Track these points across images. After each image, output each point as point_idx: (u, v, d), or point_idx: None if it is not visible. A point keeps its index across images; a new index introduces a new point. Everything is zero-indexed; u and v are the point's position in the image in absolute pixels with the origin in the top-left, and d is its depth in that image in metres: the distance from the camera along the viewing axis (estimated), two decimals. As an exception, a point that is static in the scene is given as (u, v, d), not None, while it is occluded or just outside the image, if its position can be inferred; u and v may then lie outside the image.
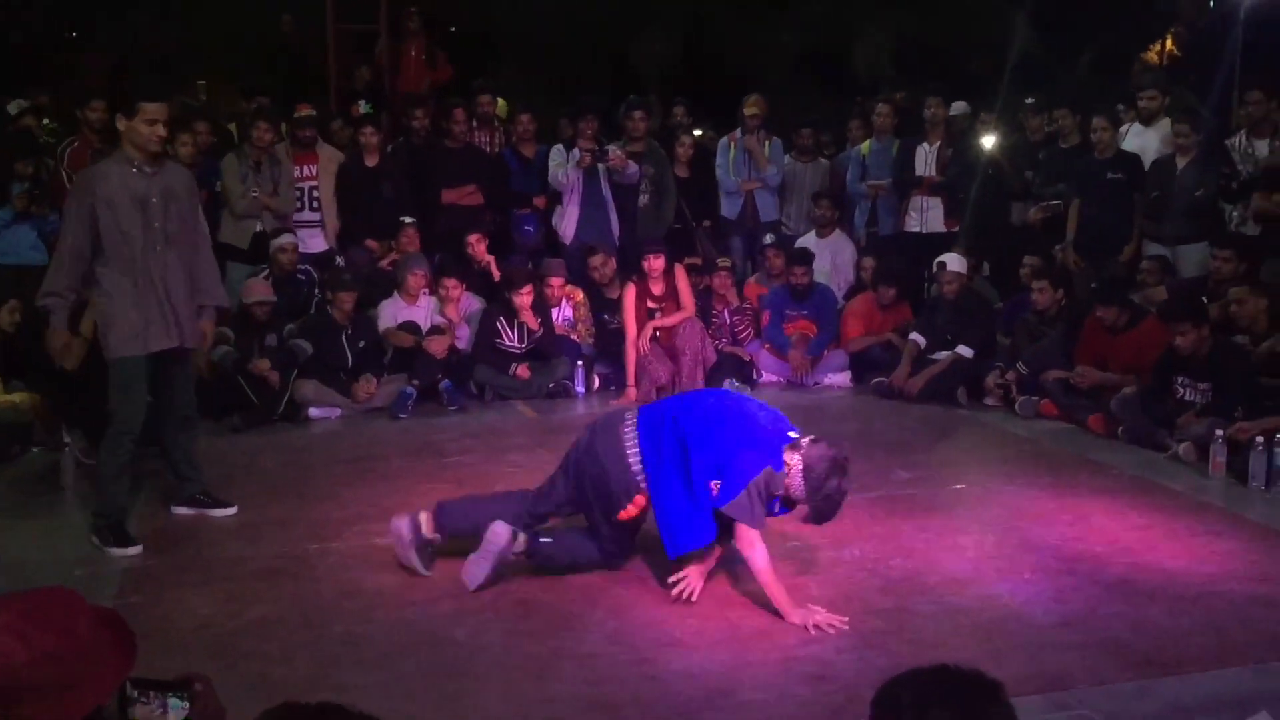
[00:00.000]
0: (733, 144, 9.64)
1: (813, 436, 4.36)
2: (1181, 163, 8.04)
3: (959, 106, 9.81)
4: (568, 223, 8.93)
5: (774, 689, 3.71)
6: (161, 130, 5.11)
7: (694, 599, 4.38)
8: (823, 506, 4.25)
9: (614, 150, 8.68)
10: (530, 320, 8.07)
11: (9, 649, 1.79)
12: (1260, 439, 5.81)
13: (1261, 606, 4.35)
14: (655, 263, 8.06)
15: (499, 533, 4.52)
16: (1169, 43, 18.36)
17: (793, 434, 4.38)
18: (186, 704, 2.04)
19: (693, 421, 4.39)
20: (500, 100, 10.47)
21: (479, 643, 4.11)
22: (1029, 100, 9.37)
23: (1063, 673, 3.79)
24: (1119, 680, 3.76)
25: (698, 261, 8.97)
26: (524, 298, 8.05)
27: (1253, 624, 4.18)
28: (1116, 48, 16.02)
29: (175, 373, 5.33)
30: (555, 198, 9.07)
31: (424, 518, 4.75)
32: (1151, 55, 18.23)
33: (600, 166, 8.77)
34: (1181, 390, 6.61)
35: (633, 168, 8.77)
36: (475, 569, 4.53)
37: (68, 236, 5.05)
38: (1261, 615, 4.26)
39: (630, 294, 8.13)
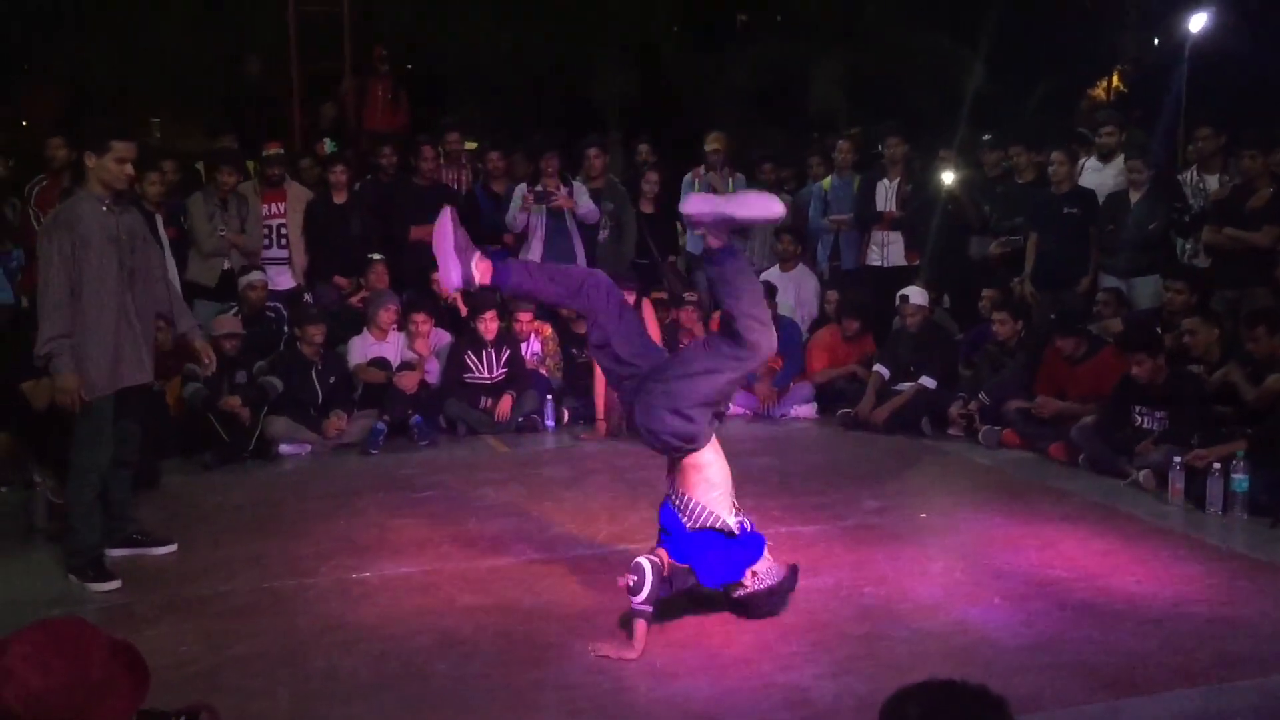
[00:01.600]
0: (696, 180, 9.79)
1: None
2: (1135, 197, 8.25)
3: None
4: (530, 258, 9.02)
5: (754, 715, 3.77)
6: (130, 169, 5.16)
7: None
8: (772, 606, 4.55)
9: (558, 194, 8.80)
10: (491, 334, 8.12)
11: (26, 677, 1.83)
12: (1216, 465, 5.97)
13: (1223, 627, 4.47)
14: (625, 297, 8.11)
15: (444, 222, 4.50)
16: (1115, 80, 18.78)
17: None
18: (194, 734, 2.08)
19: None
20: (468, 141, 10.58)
21: (460, 675, 4.14)
22: (986, 137, 9.59)
23: (1035, 695, 3.87)
24: (1089, 701, 3.85)
25: (663, 296, 9.08)
26: (489, 324, 8.11)
27: (1215, 644, 4.29)
28: (1065, 85, 16.41)
29: (131, 409, 5.32)
30: (524, 235, 9.16)
31: None
32: (1099, 92, 18.64)
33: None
34: (1139, 418, 6.77)
35: (586, 208, 8.90)
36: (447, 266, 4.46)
37: (56, 276, 4.96)
38: (1223, 635, 4.38)
39: (598, 328, 8.18)
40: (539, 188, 8.85)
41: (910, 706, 1.99)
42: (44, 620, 1.95)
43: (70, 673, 1.85)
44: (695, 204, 4.48)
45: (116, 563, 5.30)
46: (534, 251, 8.99)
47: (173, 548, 5.56)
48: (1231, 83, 14.45)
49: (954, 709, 1.97)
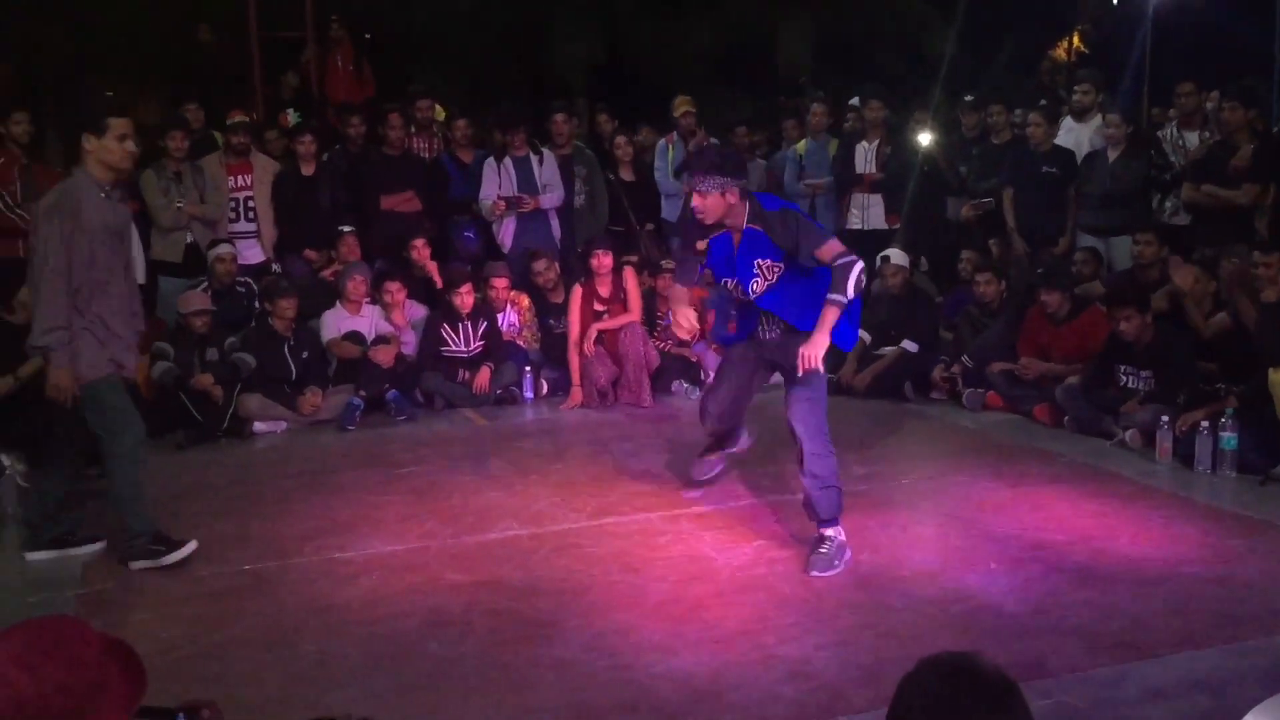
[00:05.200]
0: (670, 146, 9.65)
1: None
2: (1112, 155, 8.21)
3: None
4: (505, 232, 8.90)
5: (758, 689, 3.70)
6: (132, 145, 4.90)
7: None
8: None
9: (526, 198, 8.70)
10: (467, 307, 7.99)
11: (15, 681, 1.71)
12: (1204, 424, 5.95)
13: (1220, 586, 4.44)
14: (604, 259, 8.05)
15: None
16: (1076, 40, 18.80)
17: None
18: (195, 731, 1.97)
19: None
20: (438, 106, 10.37)
21: (453, 655, 4.04)
22: (968, 98, 9.50)
23: (1038, 660, 3.83)
24: (1093, 666, 3.80)
25: (635, 259, 8.96)
26: (464, 297, 7.97)
27: (1216, 605, 4.26)
28: (1026, 46, 16.36)
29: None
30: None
31: None
32: (1059, 53, 18.64)
33: (536, 174, 8.77)
34: (1125, 378, 6.74)
35: (551, 200, 8.84)
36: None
37: (52, 262, 4.64)
38: (1222, 595, 4.36)
39: (577, 295, 8.10)
40: (509, 195, 8.71)
41: (917, 695, 1.91)
42: (32, 619, 1.83)
43: (62, 675, 1.73)
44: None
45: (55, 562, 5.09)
46: (506, 225, 8.87)
47: (100, 545, 5.21)
48: (1195, 41, 14.44)
49: (963, 698, 1.90)
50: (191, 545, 4.98)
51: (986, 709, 1.84)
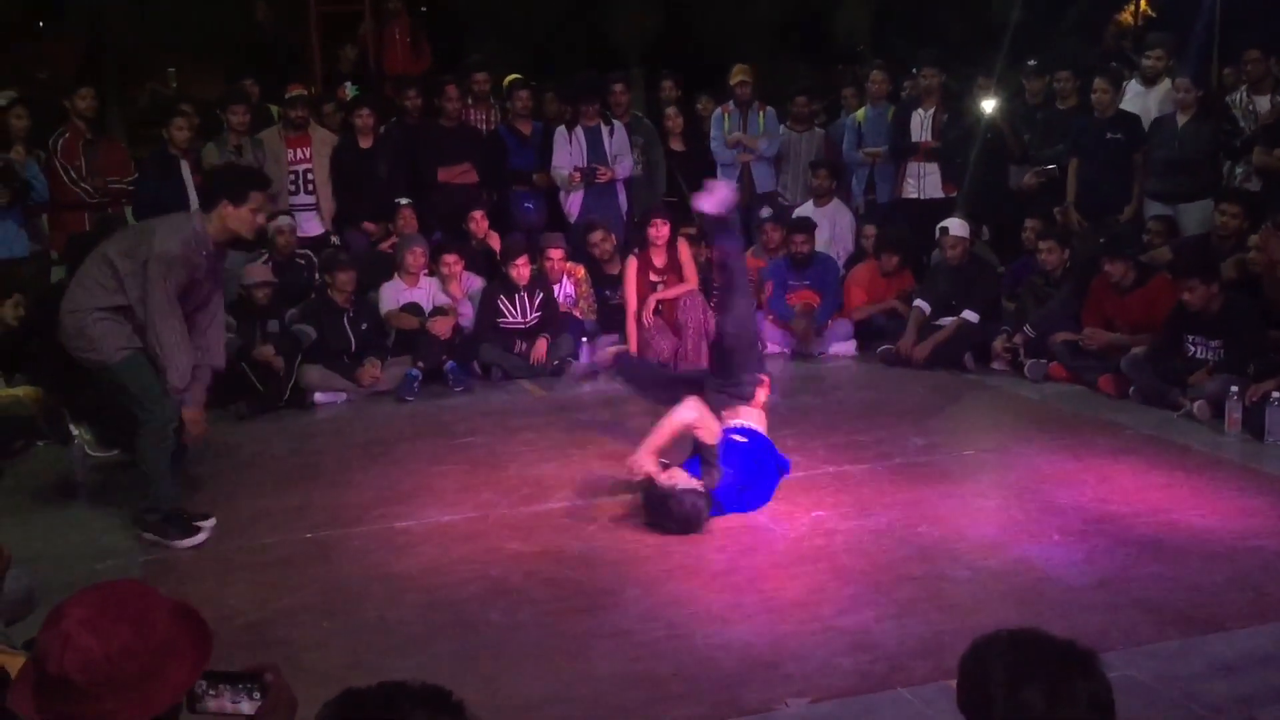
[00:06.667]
0: (726, 115, 9.57)
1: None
2: (1182, 120, 8.00)
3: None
4: (572, 203, 8.91)
5: (816, 660, 3.69)
6: (263, 219, 5.13)
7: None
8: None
9: (601, 168, 8.69)
10: (524, 279, 8.02)
11: (86, 645, 1.74)
12: (1276, 394, 5.81)
13: (1293, 561, 4.35)
14: (662, 229, 8.03)
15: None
16: (1143, 4, 18.36)
17: None
18: (259, 696, 1.99)
19: None
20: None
21: (512, 623, 4.07)
22: (1031, 62, 9.30)
23: (1102, 634, 3.77)
24: (1159, 640, 3.75)
25: (692, 231, 8.91)
26: (520, 269, 7.98)
27: (1287, 579, 4.18)
28: (1091, 10, 16.00)
29: None
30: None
31: None
32: (1125, 17, 18.22)
33: (606, 144, 8.75)
34: (1192, 348, 6.60)
35: (624, 170, 8.84)
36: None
37: (169, 308, 4.78)
38: (1295, 570, 4.27)
39: (632, 266, 8.09)
40: (584, 166, 8.71)
41: (994, 662, 1.89)
42: (101, 583, 1.86)
43: (132, 638, 1.76)
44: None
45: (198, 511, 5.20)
46: (575, 201, 8.88)
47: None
48: (1265, 2, 14.01)
49: (1042, 664, 1.87)
50: (203, 535, 4.98)
51: (1068, 673, 1.81)
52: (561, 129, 8.86)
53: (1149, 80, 8.61)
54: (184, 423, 5.00)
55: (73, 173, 8.01)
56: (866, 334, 8.47)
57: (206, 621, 1.91)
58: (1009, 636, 1.90)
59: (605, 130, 8.84)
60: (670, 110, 9.52)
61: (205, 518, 5.13)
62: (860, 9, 16.20)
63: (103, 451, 6.31)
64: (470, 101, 9.39)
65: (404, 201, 8.58)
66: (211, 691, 1.97)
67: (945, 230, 8.15)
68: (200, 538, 4.99)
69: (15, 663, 2.28)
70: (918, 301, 8.12)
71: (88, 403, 6.06)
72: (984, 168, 8.92)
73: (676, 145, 9.35)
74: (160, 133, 8.41)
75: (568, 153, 8.77)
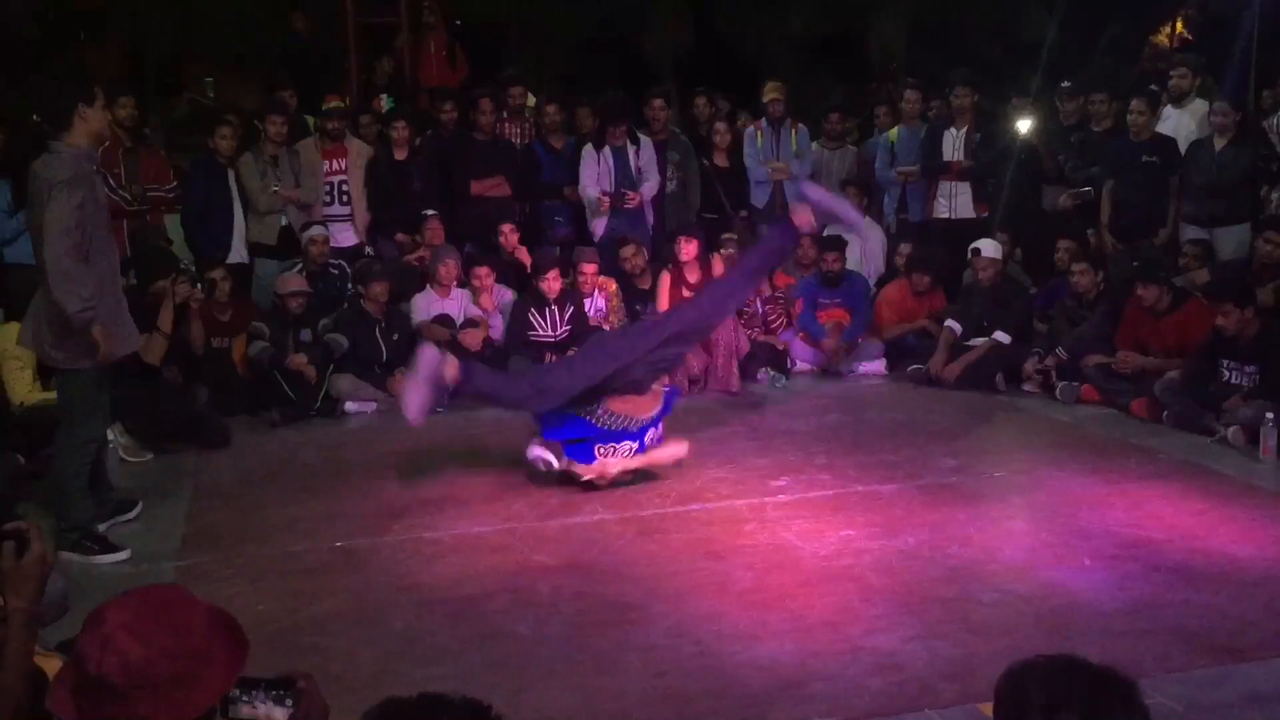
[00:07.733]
0: (759, 132, 9.58)
1: None
2: (1220, 143, 7.95)
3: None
4: (598, 222, 8.92)
5: (844, 680, 3.67)
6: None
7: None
8: None
9: (630, 194, 8.72)
10: (554, 293, 8.02)
11: (125, 646, 1.76)
12: (1312, 422, 5.75)
13: (1328, 591, 4.30)
14: (689, 246, 8.04)
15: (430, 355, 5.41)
16: (1179, 25, 18.25)
17: None
18: (291, 703, 2.00)
19: None
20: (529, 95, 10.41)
21: (540, 636, 4.08)
22: (1065, 84, 9.27)
23: (1134, 660, 3.72)
24: (1192, 668, 3.72)
25: (732, 248, 8.89)
26: (551, 282, 8.01)
27: (1323, 609, 4.13)
28: (1128, 32, 15.95)
29: (119, 380, 5.27)
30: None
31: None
32: (1161, 38, 18.13)
33: (631, 165, 8.77)
34: (1227, 373, 6.54)
35: (650, 189, 8.85)
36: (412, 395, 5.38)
37: (81, 236, 4.61)
38: (1330, 600, 4.22)
39: (665, 281, 8.11)
40: (613, 192, 8.73)
41: (1033, 689, 1.87)
42: (141, 588, 1.88)
43: (170, 642, 1.78)
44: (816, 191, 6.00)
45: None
46: (600, 223, 8.91)
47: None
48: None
49: (1081, 691, 1.85)
50: (124, 553, 4.94)
51: (1108, 701, 1.79)
52: (589, 148, 8.88)
53: (1177, 100, 8.56)
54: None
55: (112, 181, 8.11)
56: (897, 353, 8.45)
57: (242, 628, 1.93)
58: (1047, 662, 1.88)
59: (632, 150, 8.85)
60: (720, 126, 9.53)
61: (134, 505, 5.41)
62: (894, 27, 16.22)
63: (137, 456, 6.39)
64: (505, 115, 9.44)
65: (431, 213, 8.63)
66: (245, 697, 1.99)
67: (977, 251, 8.12)
68: (124, 554, 4.94)
69: (52, 665, 2.30)
70: (949, 322, 8.09)
71: (123, 405, 6.10)
72: (1018, 188, 8.89)
73: (721, 161, 9.36)
74: (200, 141, 8.50)
75: (595, 173, 8.79)
